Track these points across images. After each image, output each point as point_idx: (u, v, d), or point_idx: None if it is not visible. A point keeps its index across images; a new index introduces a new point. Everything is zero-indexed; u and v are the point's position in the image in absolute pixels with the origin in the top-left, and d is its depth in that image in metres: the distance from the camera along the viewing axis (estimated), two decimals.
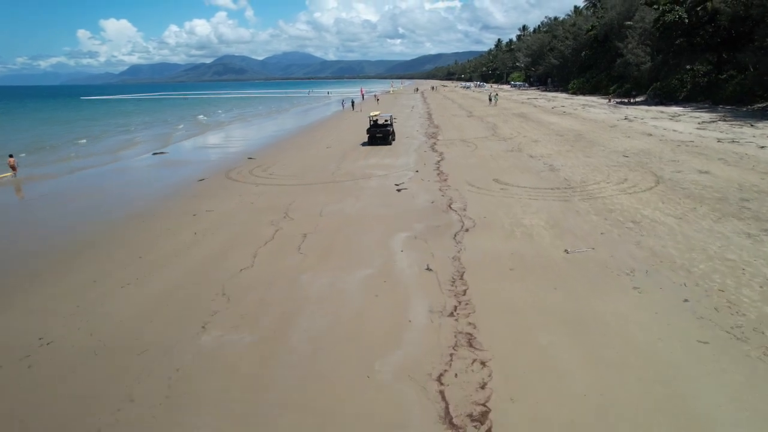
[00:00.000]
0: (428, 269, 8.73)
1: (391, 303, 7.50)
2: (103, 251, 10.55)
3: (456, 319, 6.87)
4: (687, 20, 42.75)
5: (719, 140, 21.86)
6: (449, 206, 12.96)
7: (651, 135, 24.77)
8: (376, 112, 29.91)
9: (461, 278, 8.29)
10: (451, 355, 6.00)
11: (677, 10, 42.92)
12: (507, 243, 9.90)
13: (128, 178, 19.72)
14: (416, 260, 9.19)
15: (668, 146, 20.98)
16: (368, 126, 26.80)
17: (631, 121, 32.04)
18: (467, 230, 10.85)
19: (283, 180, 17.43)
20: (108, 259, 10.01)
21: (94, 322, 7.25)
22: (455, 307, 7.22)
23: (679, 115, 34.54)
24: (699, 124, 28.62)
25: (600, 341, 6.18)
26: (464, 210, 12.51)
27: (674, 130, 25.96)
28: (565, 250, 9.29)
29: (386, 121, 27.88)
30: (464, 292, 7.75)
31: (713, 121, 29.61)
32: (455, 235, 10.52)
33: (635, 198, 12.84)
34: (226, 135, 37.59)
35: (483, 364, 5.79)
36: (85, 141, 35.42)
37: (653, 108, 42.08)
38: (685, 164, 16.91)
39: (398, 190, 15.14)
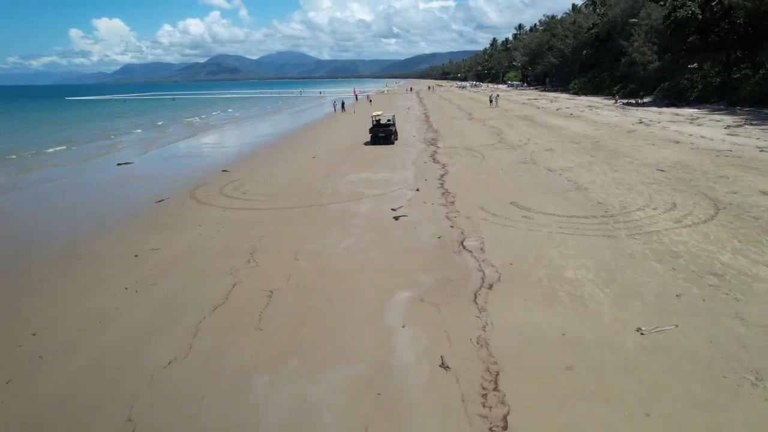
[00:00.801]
0: (443, 366, 5.87)
1: None
2: None
3: None
4: (700, 16, 40.16)
5: (761, 149, 19.16)
6: (461, 244, 10.11)
7: (678, 142, 22.04)
8: (379, 113, 29.21)
9: (495, 388, 5.44)
10: None
11: (690, 6, 40.31)
12: (551, 314, 7.05)
13: (74, 199, 16.65)
14: (425, 346, 6.33)
15: (706, 157, 18.24)
16: (371, 126, 26.80)
17: (648, 125, 29.34)
18: (491, 287, 8.00)
19: (257, 202, 14.51)
20: None
21: None
22: None
23: (698, 117, 31.89)
24: (726, 128, 25.95)
25: None
26: (482, 250, 9.67)
27: (702, 137, 23.25)
28: (639, 330, 6.46)
29: (389, 120, 27.54)
30: (504, 421, 4.89)
31: (739, 125, 26.98)
32: (476, 296, 7.67)
33: (699, 233, 10.03)
34: (208, 140, 34.58)
35: None
36: (64, 148, 32.10)
37: (665, 110, 39.46)
38: (738, 182, 14.15)
39: (396, 218, 12.28)
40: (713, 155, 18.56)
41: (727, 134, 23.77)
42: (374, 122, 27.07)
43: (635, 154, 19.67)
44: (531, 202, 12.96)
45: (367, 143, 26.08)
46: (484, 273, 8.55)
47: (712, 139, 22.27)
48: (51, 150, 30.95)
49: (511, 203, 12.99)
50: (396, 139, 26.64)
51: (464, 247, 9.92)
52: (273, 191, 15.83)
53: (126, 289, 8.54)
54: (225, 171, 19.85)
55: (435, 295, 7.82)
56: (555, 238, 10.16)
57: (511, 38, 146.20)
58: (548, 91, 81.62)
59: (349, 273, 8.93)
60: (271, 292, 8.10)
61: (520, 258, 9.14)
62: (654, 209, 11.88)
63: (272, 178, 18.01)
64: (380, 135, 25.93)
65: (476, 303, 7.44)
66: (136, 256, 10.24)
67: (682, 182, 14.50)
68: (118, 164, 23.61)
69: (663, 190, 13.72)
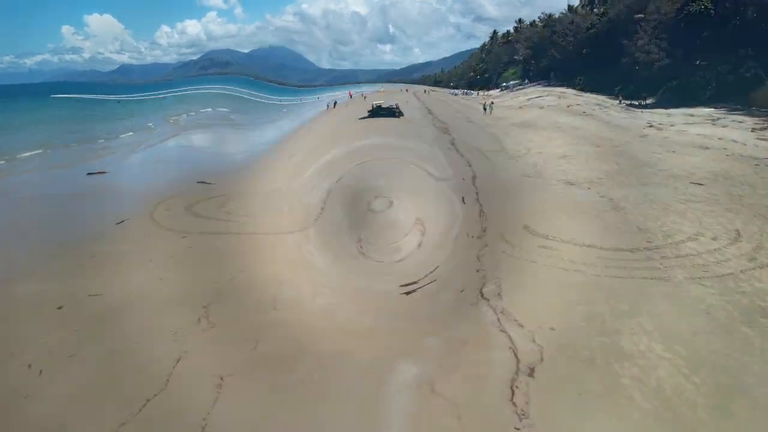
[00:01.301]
0: None
1: None
2: None
3: None
4: (713, 11, 38.05)
5: None
6: (480, 292, 7.86)
7: (708, 148, 19.86)
8: (379, 102, 31.32)
9: None
10: None
11: (703, 0, 38.19)
12: (624, 425, 4.81)
13: (20, 219, 14.19)
14: None
15: (745, 166, 16.03)
16: (370, 110, 29.68)
17: (659, 129, 27.13)
18: (531, 372, 5.74)
19: (230, 223, 12.21)
20: None
21: None
22: None
23: (720, 118, 29.72)
24: (753, 131, 23.80)
25: None
26: (500, 297, 7.43)
27: (733, 140, 21.08)
28: None
29: (390, 106, 30.52)
30: None
31: (765, 128, 24.81)
32: (513, 391, 5.41)
33: None
34: (197, 143, 32.22)
35: None
36: (40, 151, 29.62)
37: (674, 110, 37.28)
38: None
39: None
40: (752, 163, 16.37)
41: (757, 138, 21.62)
42: (374, 107, 29.74)
43: (657, 163, 17.23)
44: (546, 227, 10.68)
45: (363, 118, 27.59)
46: (513, 345, 6.29)
47: (745, 144, 20.09)
48: (27, 154, 28.52)
49: (523, 227, 10.74)
50: (401, 115, 29.33)
51: (482, 295, 7.69)
52: (253, 209, 13.54)
53: (29, 367, 6.27)
54: (202, 182, 17.52)
55: (451, 380, 5.58)
56: (603, 283, 7.92)
57: (512, 30, 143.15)
58: (554, 86, 78.99)
59: (334, 336, 6.68)
60: (221, 380, 5.82)
61: (563, 317, 6.91)
62: (713, 239, 9.65)
63: (260, 189, 15.68)
64: (381, 112, 28.85)
65: (514, 403, 5.20)
66: (59, 308, 7.95)
67: (732, 200, 12.28)
68: (89, 174, 21.22)
69: (713, 210, 11.49)
